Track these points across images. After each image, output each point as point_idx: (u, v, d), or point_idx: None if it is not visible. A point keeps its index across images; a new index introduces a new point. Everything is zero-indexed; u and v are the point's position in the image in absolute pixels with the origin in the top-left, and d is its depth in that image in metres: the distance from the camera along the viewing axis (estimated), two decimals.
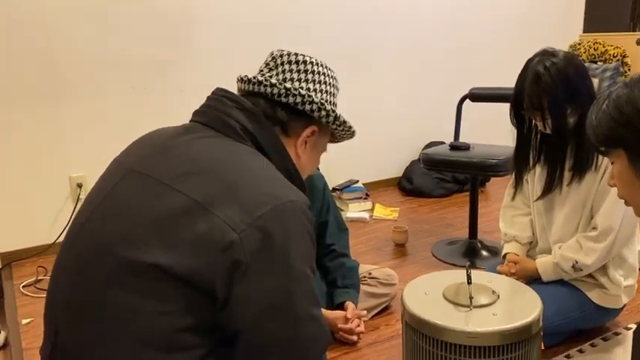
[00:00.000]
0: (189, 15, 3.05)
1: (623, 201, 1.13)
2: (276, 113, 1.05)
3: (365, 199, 3.51)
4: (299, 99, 1.05)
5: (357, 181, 3.64)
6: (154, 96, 3.02)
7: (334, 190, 3.56)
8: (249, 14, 3.23)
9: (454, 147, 2.58)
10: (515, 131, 1.93)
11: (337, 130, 1.13)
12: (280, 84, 1.05)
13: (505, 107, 1.91)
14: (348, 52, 3.62)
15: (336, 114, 1.09)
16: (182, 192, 0.86)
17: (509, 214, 2.07)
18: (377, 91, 3.80)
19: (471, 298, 1.35)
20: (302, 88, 1.07)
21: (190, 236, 0.82)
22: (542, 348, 1.39)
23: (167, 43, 3.00)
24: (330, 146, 1.21)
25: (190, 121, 1.04)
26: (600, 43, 4.14)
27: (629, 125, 0.98)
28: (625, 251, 1.79)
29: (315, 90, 1.08)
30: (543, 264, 1.87)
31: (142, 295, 0.81)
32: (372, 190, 3.83)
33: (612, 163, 1.08)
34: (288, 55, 1.11)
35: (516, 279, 1.88)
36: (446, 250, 2.76)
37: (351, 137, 1.18)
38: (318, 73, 1.10)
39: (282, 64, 1.10)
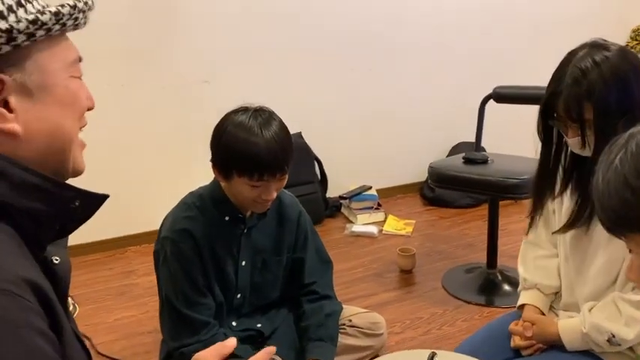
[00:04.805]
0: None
1: None
2: None
3: (376, 209, 3.09)
4: None
5: (370, 188, 3.22)
6: (133, 92, 2.70)
7: (342, 198, 3.16)
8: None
9: (469, 160, 2.13)
10: (540, 146, 1.48)
11: (51, 32, 0.62)
12: None
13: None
14: (366, 45, 3.18)
15: (21, 26, 0.58)
16: None
17: (532, 255, 1.62)
18: (398, 86, 3.35)
19: None
20: None
21: None
22: None
23: (147, 33, 2.67)
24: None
25: None
26: None
27: None
28: None
29: None
30: (568, 331, 1.42)
31: None
32: (389, 197, 3.40)
33: (630, 251, 0.65)
34: None
35: (528, 347, 1.48)
36: (460, 280, 2.32)
37: (84, 14, 0.67)
38: None
39: None
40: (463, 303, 2.17)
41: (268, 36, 2.94)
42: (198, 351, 1.45)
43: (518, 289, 1.64)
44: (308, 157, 3.05)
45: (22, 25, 0.60)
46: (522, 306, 1.58)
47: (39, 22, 0.61)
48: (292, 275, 1.70)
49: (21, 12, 0.61)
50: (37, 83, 0.64)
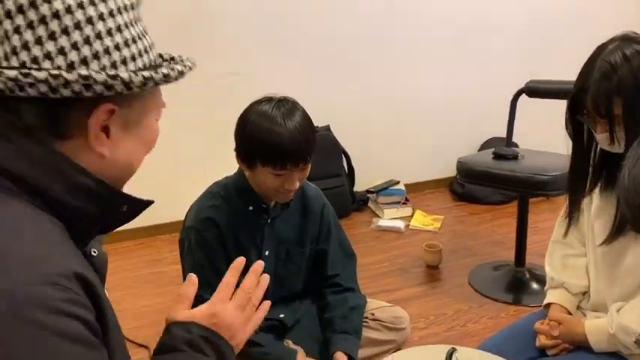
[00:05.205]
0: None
1: None
2: (18, 118, 0.63)
3: (404, 204, 3.07)
4: (43, 87, 0.61)
5: (398, 183, 3.19)
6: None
7: (369, 192, 3.14)
8: None
9: (498, 155, 2.09)
10: (571, 144, 1.44)
11: (147, 87, 0.69)
12: None
13: None
14: (395, 39, 3.15)
15: (124, 79, 0.65)
16: None
17: (559, 254, 1.58)
18: (429, 79, 3.31)
19: None
20: (43, 62, 0.62)
21: None
22: None
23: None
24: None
25: None
26: None
27: None
28: None
29: (68, 58, 0.63)
30: (595, 332, 1.38)
31: None
32: (418, 191, 3.36)
33: None
34: None
35: (554, 346, 1.44)
36: (487, 277, 2.29)
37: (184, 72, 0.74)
38: (66, 12, 0.62)
39: None
40: (489, 300, 2.14)
41: (297, 30, 2.94)
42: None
43: (545, 287, 1.61)
44: (336, 150, 3.04)
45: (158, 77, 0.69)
46: (548, 305, 1.54)
47: (136, 79, 0.67)
48: (315, 267, 1.70)
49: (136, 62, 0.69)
50: (135, 120, 0.71)
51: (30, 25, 0.62)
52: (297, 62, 2.95)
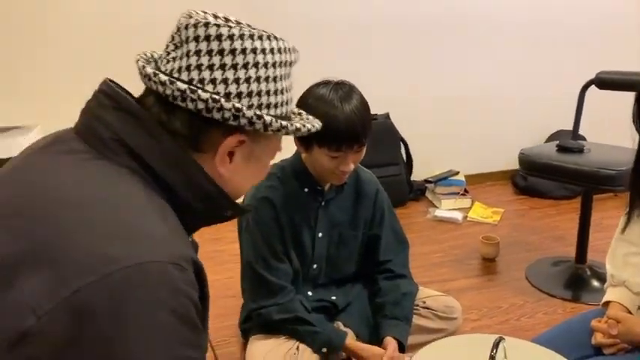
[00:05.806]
0: None
1: None
2: (171, 122, 0.73)
3: (463, 195, 3.02)
4: (201, 105, 0.71)
5: (457, 173, 3.15)
6: None
7: (427, 182, 3.11)
8: None
9: (563, 148, 2.02)
10: (638, 138, 1.39)
11: (279, 133, 0.79)
12: (172, 83, 0.71)
13: None
14: (460, 25, 3.10)
15: (266, 121, 0.74)
16: None
17: (622, 251, 1.52)
18: (494, 67, 3.23)
19: None
20: (207, 85, 0.72)
21: None
22: None
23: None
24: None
25: None
26: None
27: None
28: None
29: (228, 89, 0.73)
30: None
31: None
32: (478, 183, 3.30)
33: None
34: (196, 25, 0.73)
35: (611, 345, 1.40)
36: (545, 272, 2.23)
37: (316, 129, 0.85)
38: (241, 52, 0.73)
39: (188, 40, 0.74)
40: (546, 296, 2.09)
41: (360, 18, 2.94)
42: (275, 312, 1.53)
43: (605, 285, 1.56)
44: (394, 138, 3.03)
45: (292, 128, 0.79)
46: (607, 303, 1.50)
47: (274, 124, 0.77)
48: (368, 252, 1.72)
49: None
50: (257, 155, 0.80)
51: (209, 52, 0.72)
52: (359, 51, 2.95)
